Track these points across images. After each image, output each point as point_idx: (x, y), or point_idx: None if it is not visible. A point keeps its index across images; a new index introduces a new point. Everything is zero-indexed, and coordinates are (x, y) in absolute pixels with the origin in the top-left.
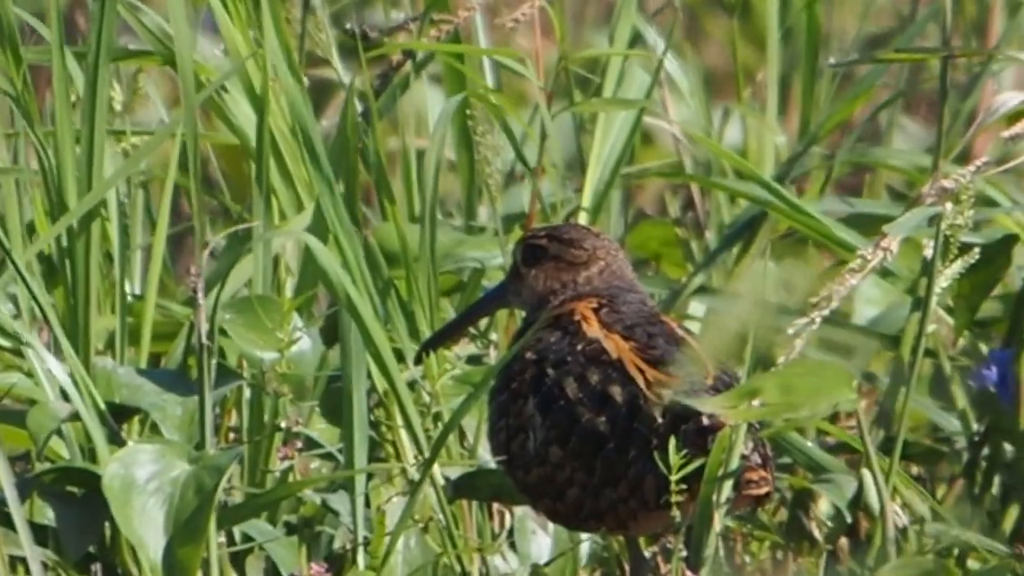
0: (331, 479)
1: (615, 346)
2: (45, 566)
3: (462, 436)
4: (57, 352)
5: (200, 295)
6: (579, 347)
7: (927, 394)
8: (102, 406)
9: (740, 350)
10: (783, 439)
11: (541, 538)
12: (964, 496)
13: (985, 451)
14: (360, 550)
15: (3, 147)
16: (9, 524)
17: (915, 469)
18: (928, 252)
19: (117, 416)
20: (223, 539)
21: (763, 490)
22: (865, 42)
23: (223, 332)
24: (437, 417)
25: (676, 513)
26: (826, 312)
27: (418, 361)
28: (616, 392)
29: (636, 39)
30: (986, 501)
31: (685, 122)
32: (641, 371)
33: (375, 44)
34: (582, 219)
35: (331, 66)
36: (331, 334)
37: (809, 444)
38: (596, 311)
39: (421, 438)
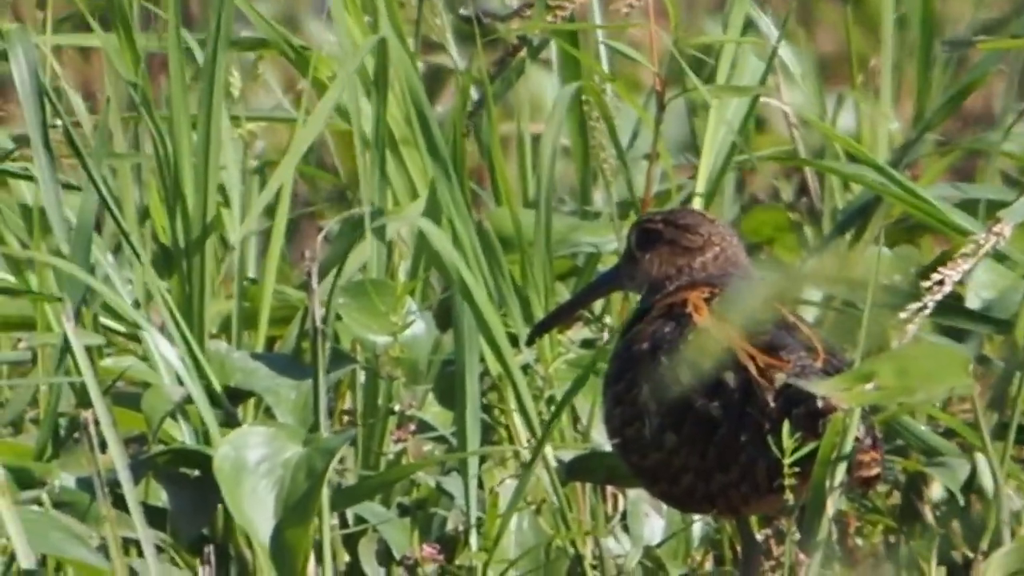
0: (444, 461)
1: (726, 334)
2: (158, 548)
3: (575, 419)
4: (171, 336)
5: (314, 280)
6: (691, 337)
7: None
8: (217, 389)
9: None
10: (896, 422)
11: (654, 520)
12: None
13: None
14: (473, 532)
15: (120, 132)
16: (123, 506)
17: None
18: None
19: (232, 399)
20: (336, 521)
21: (874, 472)
22: (980, 27)
23: (337, 316)
24: (550, 400)
25: (788, 497)
26: (939, 296)
27: (531, 343)
28: (729, 377)
29: (749, 25)
30: None
31: (798, 107)
32: (752, 357)
33: (490, 29)
34: (696, 204)
35: (446, 52)
36: (445, 318)
37: (922, 428)
38: (708, 301)
39: (534, 421)
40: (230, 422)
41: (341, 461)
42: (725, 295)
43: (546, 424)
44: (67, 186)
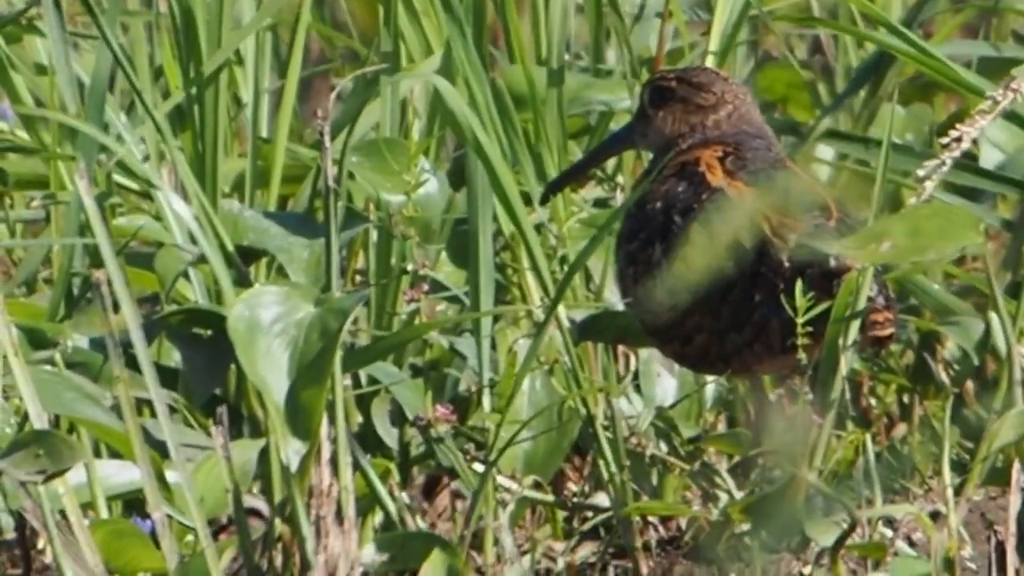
0: (457, 321)
1: (739, 194)
2: (171, 409)
3: (588, 278)
4: (184, 195)
5: (327, 138)
6: (704, 196)
7: None
8: (229, 248)
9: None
10: (910, 282)
11: (666, 380)
12: None
13: None
14: (485, 392)
15: None
16: (136, 366)
17: None
18: None
19: (244, 259)
20: (348, 382)
21: (887, 331)
22: None
23: (350, 175)
24: (563, 260)
25: (802, 356)
26: (957, 153)
27: (544, 202)
28: (743, 237)
29: None
30: None
31: None
32: (766, 217)
33: None
34: (709, 62)
35: None
36: (458, 177)
37: (936, 287)
38: (721, 160)
39: (547, 280)
40: (243, 282)
41: (354, 321)
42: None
43: (559, 284)
44: (80, 42)
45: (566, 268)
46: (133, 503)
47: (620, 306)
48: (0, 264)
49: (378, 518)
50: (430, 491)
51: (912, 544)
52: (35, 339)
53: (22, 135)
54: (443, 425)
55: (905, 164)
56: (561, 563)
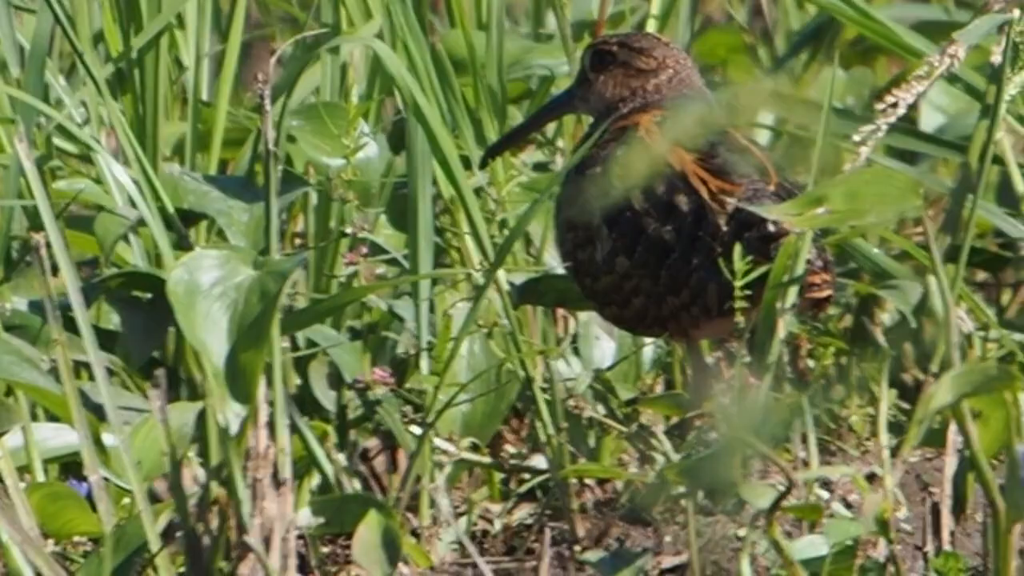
0: (396, 284)
1: (678, 158)
2: (109, 371)
3: (528, 242)
4: (125, 158)
5: (267, 102)
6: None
7: (994, 201)
8: (169, 211)
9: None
10: (847, 245)
11: (605, 343)
12: None
13: None
14: (424, 355)
15: None
16: (74, 329)
17: (980, 275)
18: (997, 59)
19: (184, 222)
20: (287, 344)
21: (825, 293)
22: None
23: (290, 139)
24: (503, 224)
25: (739, 319)
26: (893, 119)
27: (483, 166)
28: (682, 201)
29: None
30: None
31: None
32: (704, 181)
33: None
34: (651, 26)
35: None
36: (398, 141)
37: (874, 251)
38: (660, 125)
39: (487, 244)
40: (182, 245)
41: (293, 285)
42: (674, 113)
43: (500, 248)
44: (21, 8)
45: (505, 232)
46: (70, 466)
47: (560, 270)
48: None
49: (315, 481)
50: (367, 453)
51: (848, 506)
52: None
53: None
54: (381, 388)
55: (846, 128)
56: (498, 525)
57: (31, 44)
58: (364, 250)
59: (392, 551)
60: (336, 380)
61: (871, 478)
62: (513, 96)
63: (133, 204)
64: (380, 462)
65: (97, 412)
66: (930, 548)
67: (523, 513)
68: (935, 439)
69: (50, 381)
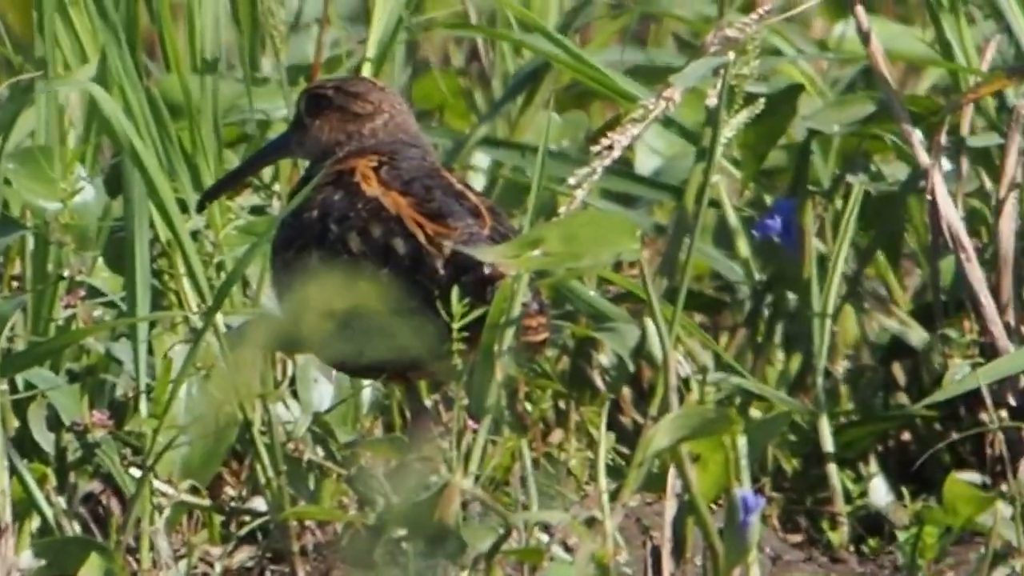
0: (114, 327)
1: (393, 203)
2: None
3: (245, 285)
4: None
5: None
6: (359, 205)
7: (711, 244)
8: None
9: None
10: (564, 288)
11: (323, 386)
12: (746, 345)
13: (768, 300)
14: (143, 398)
15: None
16: None
17: (698, 318)
18: (712, 102)
19: None
20: (6, 387)
21: (540, 336)
22: None
23: (6, 182)
24: (220, 266)
25: (457, 362)
26: (608, 162)
27: (200, 209)
28: (398, 244)
29: None
30: (768, 350)
31: None
32: (420, 225)
33: None
34: (367, 71)
35: None
36: (115, 184)
37: (591, 293)
38: (376, 170)
39: (204, 287)
40: None
41: (11, 327)
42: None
43: (217, 290)
44: None
45: (223, 274)
46: None
47: (277, 312)
48: None
49: (35, 523)
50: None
51: (568, 549)
52: None
53: None
54: (100, 431)
55: (561, 171)
56: (218, 568)
57: None
58: (82, 293)
59: None
60: (55, 422)
61: (591, 522)
62: (229, 140)
63: None
64: (101, 505)
65: None
66: None
67: (244, 556)
68: (655, 483)
69: None
